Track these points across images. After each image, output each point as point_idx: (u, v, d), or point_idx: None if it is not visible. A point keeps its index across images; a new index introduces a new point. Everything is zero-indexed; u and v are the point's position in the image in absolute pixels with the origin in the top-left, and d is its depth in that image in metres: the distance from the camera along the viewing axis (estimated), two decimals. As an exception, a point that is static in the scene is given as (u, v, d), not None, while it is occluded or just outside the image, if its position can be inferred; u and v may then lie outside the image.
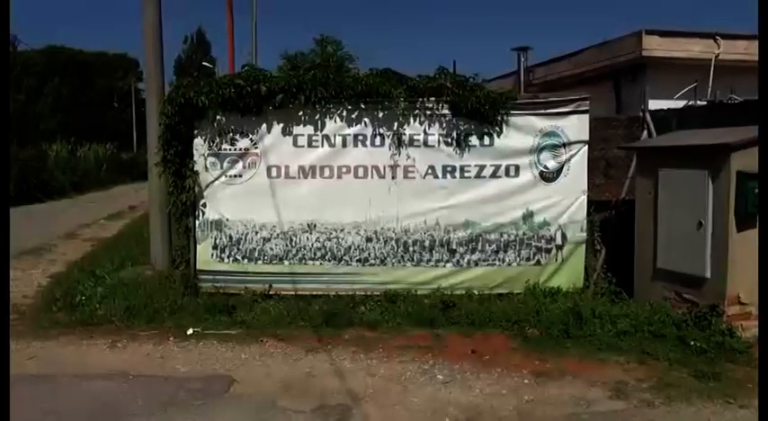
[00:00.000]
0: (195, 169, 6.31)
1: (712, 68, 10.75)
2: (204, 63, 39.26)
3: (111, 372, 4.45)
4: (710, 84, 10.71)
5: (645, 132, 6.70)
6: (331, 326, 5.46)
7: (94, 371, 4.46)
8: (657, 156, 5.78)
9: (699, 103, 8.76)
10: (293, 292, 6.27)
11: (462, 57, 60.66)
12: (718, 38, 11.12)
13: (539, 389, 4.18)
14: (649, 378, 4.34)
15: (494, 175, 6.39)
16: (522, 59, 13.65)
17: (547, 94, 8.03)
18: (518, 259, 6.42)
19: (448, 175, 6.37)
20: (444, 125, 6.38)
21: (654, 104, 9.23)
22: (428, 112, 6.36)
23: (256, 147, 6.35)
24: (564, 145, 6.40)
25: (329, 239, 6.37)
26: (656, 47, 10.89)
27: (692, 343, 4.84)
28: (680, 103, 9.23)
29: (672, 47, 11.05)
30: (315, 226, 6.36)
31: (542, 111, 6.42)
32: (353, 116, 6.37)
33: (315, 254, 6.37)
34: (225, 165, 6.35)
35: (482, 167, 6.38)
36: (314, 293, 6.28)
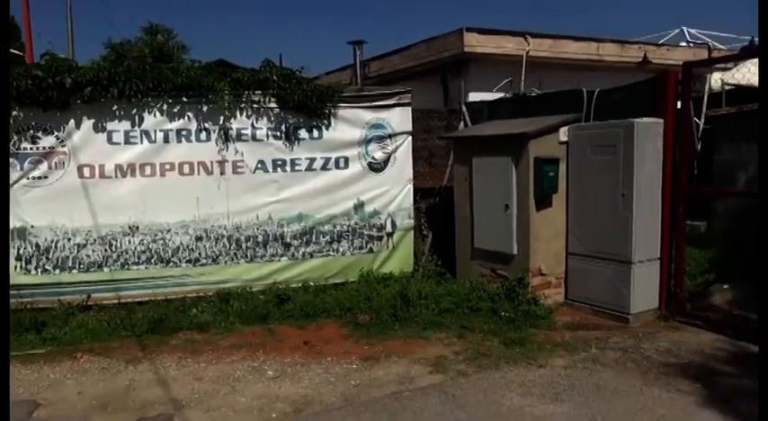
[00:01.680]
0: (-13, 172, 5.57)
1: (524, 64, 11.87)
2: (14, 50, 34.70)
3: None
4: (523, 78, 11.87)
5: (462, 123, 7.23)
6: (158, 333, 5.17)
7: None
8: (471, 145, 6.27)
9: (506, 95, 9.60)
10: (116, 301, 5.85)
11: (311, 48, 60.39)
12: (527, 36, 12.29)
13: (366, 372, 4.35)
14: (465, 350, 4.72)
15: (324, 168, 6.48)
16: (358, 53, 13.94)
17: (372, 87, 8.30)
18: (352, 248, 6.60)
19: (278, 169, 6.34)
20: (273, 119, 6.32)
21: (476, 97, 9.97)
22: (255, 106, 6.26)
23: (64, 146, 5.77)
24: (390, 136, 6.69)
25: (154, 241, 6.02)
26: (475, 44, 11.73)
27: (503, 314, 5.36)
28: (499, 96, 10.08)
29: (489, 44, 11.98)
30: (137, 228, 5.96)
31: (368, 104, 6.63)
32: (175, 110, 6.05)
33: (139, 257, 5.98)
34: (26, 166, 5.69)
35: (312, 160, 6.43)
36: (140, 300, 5.90)
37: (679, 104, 5.24)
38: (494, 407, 3.73)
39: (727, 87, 9.71)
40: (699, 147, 9.01)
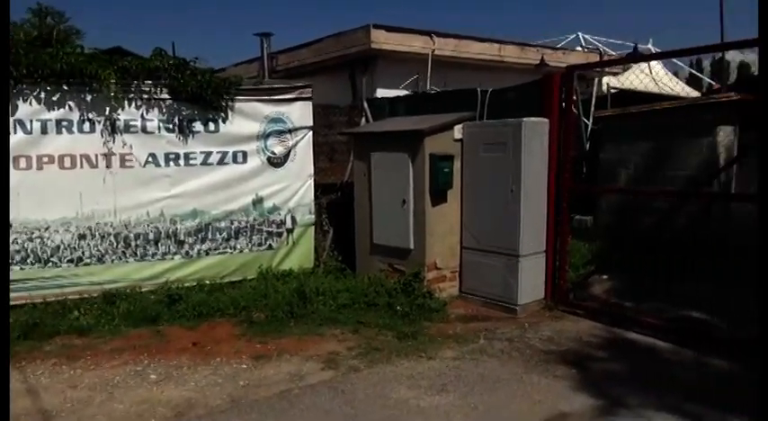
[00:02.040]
0: None
1: (430, 62, 12.11)
2: None
3: None
4: (429, 76, 12.10)
5: (363, 119, 7.25)
6: (31, 339, 4.80)
7: None
8: (370, 141, 6.30)
9: (408, 93, 9.76)
10: (-15, 305, 5.36)
11: (225, 40, 58.36)
12: (433, 35, 12.53)
13: (256, 372, 4.26)
14: (359, 345, 4.74)
15: (221, 162, 6.28)
16: (265, 45, 13.64)
17: (273, 80, 8.15)
18: (250, 245, 6.44)
19: (171, 163, 6.06)
20: (164, 110, 6.03)
21: (384, 93, 10.05)
22: (145, 96, 5.94)
23: None
24: (290, 131, 6.58)
25: (30, 240, 5.57)
26: (383, 41, 11.80)
27: (399, 308, 5.44)
28: (405, 93, 10.21)
29: (396, 41, 12.09)
30: (10, 226, 5.49)
31: (267, 98, 6.49)
32: (54, 99, 5.63)
33: (12, 258, 5.51)
34: None
35: (208, 154, 6.21)
36: (14, 303, 5.44)
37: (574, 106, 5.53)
38: (381, 400, 3.77)
39: (613, 91, 10.43)
40: (588, 146, 9.62)
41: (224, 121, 6.26)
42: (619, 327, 5.07)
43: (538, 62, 13.25)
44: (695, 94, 14.71)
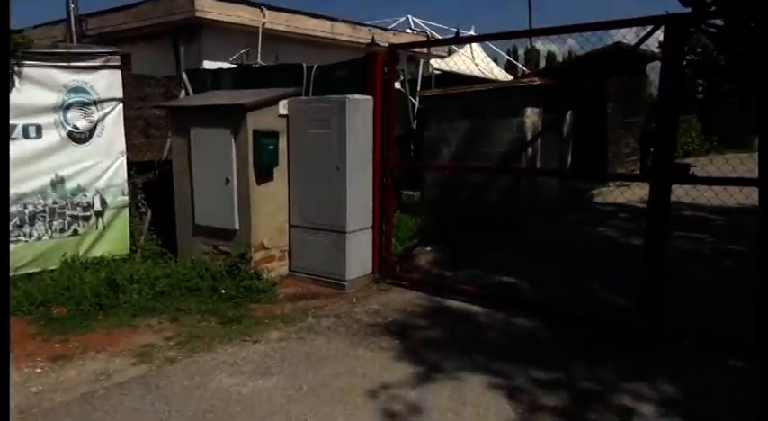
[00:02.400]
0: None
1: (260, 35, 11.66)
2: None
3: None
4: (260, 49, 11.66)
5: (183, 92, 6.73)
6: None
7: None
8: (189, 116, 5.86)
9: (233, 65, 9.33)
10: None
11: None
12: (263, 8, 12.07)
13: (53, 375, 3.77)
14: (179, 334, 4.43)
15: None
16: (72, 6, 12.08)
17: (71, 44, 7.23)
18: (50, 232, 5.67)
19: (-61, 138, 5.07)
20: (-72, 74, 5.00)
21: (212, 66, 9.44)
22: None
23: None
24: (95, 102, 5.87)
25: None
26: (208, 9, 11.08)
27: (224, 291, 5.19)
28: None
29: (224, 11, 11.44)
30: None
31: (65, 64, 5.69)
32: None
33: None
34: None
35: (-10, 127, 5.30)
36: None
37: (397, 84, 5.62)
38: (199, 392, 3.55)
39: (437, 72, 10.95)
40: (415, 125, 10.01)
41: (9, 90, 5.37)
42: (440, 296, 5.35)
43: (369, 41, 13.48)
44: (510, 78, 16.03)
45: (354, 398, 3.48)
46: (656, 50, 11.02)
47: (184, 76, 6.79)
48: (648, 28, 4.13)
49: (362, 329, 4.59)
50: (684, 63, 25.73)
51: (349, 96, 5.30)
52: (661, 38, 4.18)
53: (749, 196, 7.80)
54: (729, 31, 24.12)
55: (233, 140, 5.48)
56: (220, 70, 7.18)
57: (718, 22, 23.97)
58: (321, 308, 5.10)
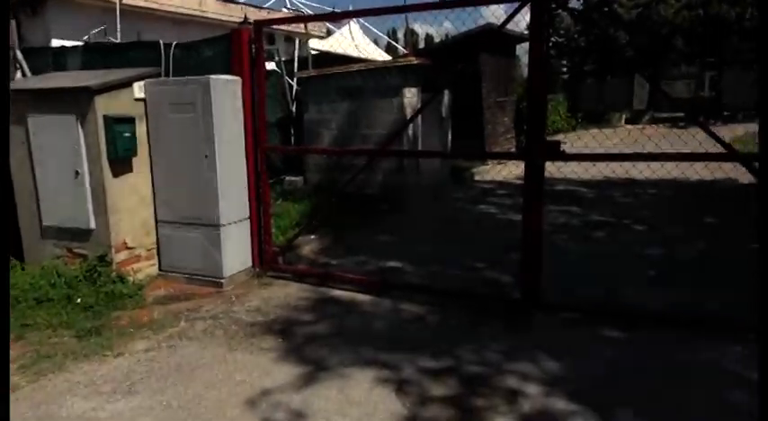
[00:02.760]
0: None
1: (118, 12, 10.61)
2: None
3: None
4: (119, 27, 10.61)
5: (19, 73, 5.85)
6: None
7: None
8: (26, 101, 5.06)
9: (78, 43, 8.41)
10: None
11: None
12: (118, -16, 11.00)
13: None
14: (23, 355, 3.82)
15: None
16: None
17: None
18: None
19: None
20: None
21: (60, 43, 8.41)
22: None
23: None
24: None
25: None
26: (51, -21, 9.90)
27: (80, 300, 4.58)
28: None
29: (71, -18, 10.28)
30: None
31: None
32: None
33: None
34: None
35: None
36: None
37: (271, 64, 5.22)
38: (46, 423, 3.05)
39: (314, 52, 10.57)
40: (294, 107, 9.62)
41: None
42: (325, 286, 5.12)
43: (241, 20, 12.76)
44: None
45: (231, 409, 3.16)
46: (526, 32, 11.49)
47: (19, 54, 5.89)
48: (516, 6, 4.13)
49: (242, 330, 4.25)
50: (550, 44, 27.46)
51: (213, 76, 4.83)
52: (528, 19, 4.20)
53: (614, 170, 8.38)
54: (588, 15, 25.95)
55: (80, 128, 4.81)
56: (64, 48, 6.34)
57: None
58: (196, 309, 4.67)
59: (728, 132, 15.79)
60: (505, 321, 4.23)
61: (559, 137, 18.71)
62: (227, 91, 4.94)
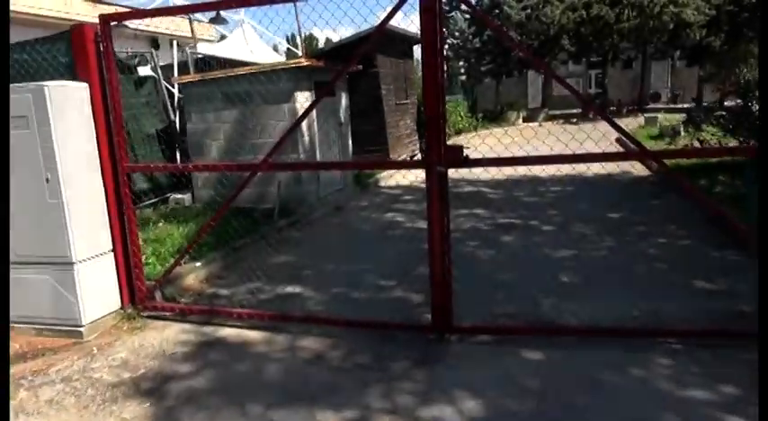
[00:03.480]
0: None
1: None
2: None
3: None
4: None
5: None
6: None
7: None
8: None
9: None
10: None
11: None
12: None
13: None
14: None
15: None
16: None
17: None
18: None
19: None
20: None
21: None
22: None
23: None
24: None
25: None
26: None
27: None
28: None
29: None
30: None
31: None
32: None
33: None
34: None
35: None
36: None
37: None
38: None
39: (198, 56, 9.67)
40: (176, 117, 8.68)
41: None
42: (211, 325, 4.38)
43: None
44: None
45: None
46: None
47: None
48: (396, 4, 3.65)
49: (100, 395, 3.43)
50: (447, 46, 27.66)
51: (51, 84, 3.96)
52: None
53: (516, 169, 8.20)
54: (479, 16, 26.52)
55: None
56: None
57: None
58: (44, 371, 3.78)
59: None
60: (418, 352, 3.71)
61: (461, 138, 18.82)
62: (70, 100, 4.06)
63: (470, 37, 27.38)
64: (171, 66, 9.09)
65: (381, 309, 4.43)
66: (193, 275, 5.47)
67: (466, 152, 3.65)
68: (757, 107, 8.16)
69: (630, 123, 18.56)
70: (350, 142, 9.78)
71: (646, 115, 19.70)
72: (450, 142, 3.83)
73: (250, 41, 14.09)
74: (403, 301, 4.64)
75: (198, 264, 5.59)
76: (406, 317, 4.27)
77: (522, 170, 8.51)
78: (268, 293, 5.06)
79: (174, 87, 8.75)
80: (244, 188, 4.29)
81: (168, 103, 8.49)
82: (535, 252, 5.82)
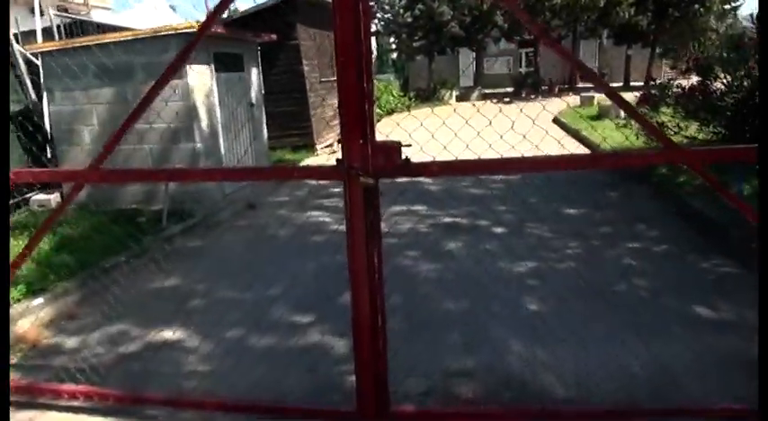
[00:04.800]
0: None
1: None
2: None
3: None
4: None
5: None
6: None
7: None
8: None
9: None
10: None
11: None
12: None
13: None
14: None
15: None
16: None
17: None
18: None
19: None
20: None
21: None
22: None
23: None
24: None
25: None
26: None
27: None
28: None
29: None
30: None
31: None
32: None
33: None
34: None
35: None
36: None
37: None
38: None
39: (65, 20, 7.85)
40: (33, 95, 6.92)
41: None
42: (30, 408, 2.96)
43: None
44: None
45: None
46: None
47: None
48: None
49: None
50: (376, 19, 26.10)
51: None
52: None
53: (458, 157, 7.09)
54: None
55: None
56: None
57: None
58: None
59: (555, 107, 15.88)
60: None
61: (393, 117, 17.57)
62: None
63: (401, 11, 26.08)
64: (33, 32, 7.28)
65: (289, 369, 3.16)
66: (31, 318, 3.95)
67: (405, 152, 2.38)
68: (717, 85, 7.42)
69: (566, 103, 17.97)
70: (264, 126, 8.32)
71: (582, 94, 19.17)
72: (380, 135, 2.53)
73: (161, 10, 12.26)
74: (321, 352, 3.37)
75: (38, 301, 4.06)
76: (322, 384, 3.01)
77: (465, 155, 7.37)
78: (134, 343, 3.67)
79: (37, 59, 6.98)
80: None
81: (27, 80, 6.72)
82: (489, 265, 4.68)
